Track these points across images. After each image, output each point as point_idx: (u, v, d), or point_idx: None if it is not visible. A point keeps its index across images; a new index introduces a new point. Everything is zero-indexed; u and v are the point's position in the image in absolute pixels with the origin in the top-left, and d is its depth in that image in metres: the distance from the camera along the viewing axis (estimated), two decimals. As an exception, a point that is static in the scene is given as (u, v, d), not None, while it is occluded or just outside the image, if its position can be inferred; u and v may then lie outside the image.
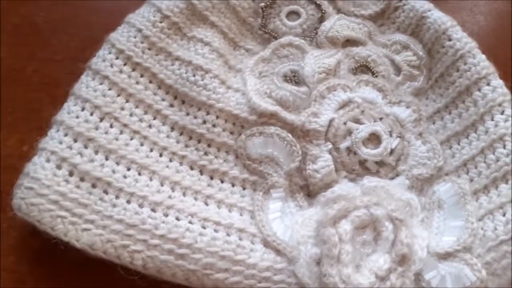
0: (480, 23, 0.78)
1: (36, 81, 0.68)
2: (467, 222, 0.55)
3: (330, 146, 0.60)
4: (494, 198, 0.55)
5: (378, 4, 0.68)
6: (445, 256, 0.54)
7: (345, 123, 0.61)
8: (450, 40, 0.62)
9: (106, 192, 0.55)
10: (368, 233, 0.54)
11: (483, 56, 0.61)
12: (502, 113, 0.58)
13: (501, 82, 0.59)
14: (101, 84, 0.60)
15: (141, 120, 0.60)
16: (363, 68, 0.65)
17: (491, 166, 0.57)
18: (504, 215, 0.54)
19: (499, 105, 0.58)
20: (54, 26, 0.71)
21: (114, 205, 0.54)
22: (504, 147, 0.56)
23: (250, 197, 0.59)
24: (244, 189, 0.60)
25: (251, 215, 0.58)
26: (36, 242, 0.55)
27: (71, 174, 0.54)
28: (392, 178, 0.60)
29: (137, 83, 0.61)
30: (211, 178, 0.60)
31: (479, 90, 0.59)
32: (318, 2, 0.67)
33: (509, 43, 0.75)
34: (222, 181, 0.60)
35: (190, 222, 0.55)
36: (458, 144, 0.60)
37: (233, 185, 0.60)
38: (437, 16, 0.64)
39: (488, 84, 0.59)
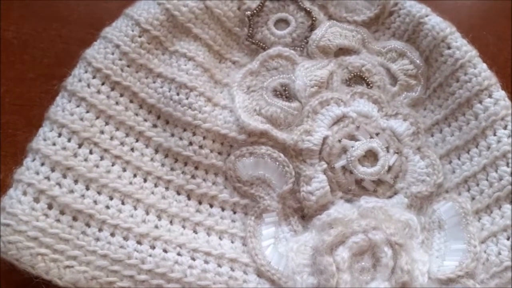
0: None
1: (8, 102, 0.63)
2: (470, 246, 0.53)
3: (325, 165, 0.57)
4: (498, 220, 0.53)
5: (372, 9, 0.63)
6: (447, 282, 0.52)
7: (339, 141, 0.58)
8: (449, 48, 0.59)
9: (88, 225, 0.52)
10: (367, 259, 0.52)
11: (484, 66, 0.57)
12: (505, 127, 0.55)
13: (503, 93, 0.56)
14: (78, 106, 0.56)
15: (122, 144, 0.56)
16: (357, 78, 0.62)
17: (493, 184, 0.54)
18: (508, 238, 0.52)
19: (502, 119, 0.55)
20: (25, 41, 0.66)
21: (97, 239, 0.51)
22: (508, 165, 0.54)
23: (241, 221, 0.57)
24: (234, 213, 0.58)
25: (243, 241, 0.56)
26: (17, 278, 0.52)
27: (50, 207, 0.51)
28: (390, 197, 0.57)
29: (117, 103, 0.57)
30: (200, 203, 0.57)
31: (480, 102, 0.56)
32: (308, 9, 0.63)
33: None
34: (211, 206, 0.57)
35: (178, 254, 0.52)
36: (459, 159, 0.57)
37: (223, 210, 0.57)
38: (435, 22, 0.60)
39: (490, 96, 0.56)
